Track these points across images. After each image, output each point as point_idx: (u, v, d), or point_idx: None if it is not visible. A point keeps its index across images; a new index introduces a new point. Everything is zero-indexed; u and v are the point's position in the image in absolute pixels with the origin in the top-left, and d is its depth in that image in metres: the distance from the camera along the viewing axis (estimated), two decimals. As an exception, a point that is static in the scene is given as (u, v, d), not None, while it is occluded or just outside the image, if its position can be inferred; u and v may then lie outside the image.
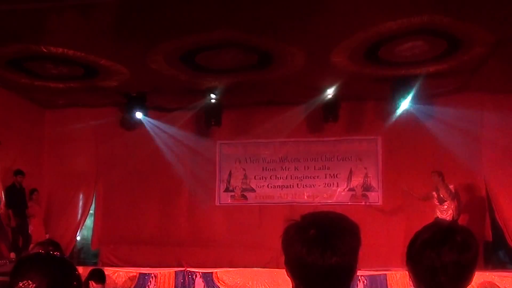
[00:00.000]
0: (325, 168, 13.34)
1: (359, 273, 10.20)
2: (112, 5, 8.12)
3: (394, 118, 12.33)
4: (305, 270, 1.84)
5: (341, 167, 13.27)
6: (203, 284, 10.99)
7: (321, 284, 1.86)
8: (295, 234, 1.88)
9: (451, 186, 11.02)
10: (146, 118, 13.01)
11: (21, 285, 1.93)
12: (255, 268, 11.34)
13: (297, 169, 13.42)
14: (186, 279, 11.06)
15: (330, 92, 12.03)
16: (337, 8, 8.17)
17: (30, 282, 1.94)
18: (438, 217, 10.66)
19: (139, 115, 12.79)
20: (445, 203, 10.91)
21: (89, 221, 14.04)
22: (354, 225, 1.91)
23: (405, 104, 11.71)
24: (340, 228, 1.86)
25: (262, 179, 13.56)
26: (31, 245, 11.28)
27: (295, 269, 1.90)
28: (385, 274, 10.51)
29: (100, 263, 12.70)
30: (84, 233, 14.32)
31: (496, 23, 8.70)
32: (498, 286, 9.76)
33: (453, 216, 10.74)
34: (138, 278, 11.12)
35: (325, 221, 1.88)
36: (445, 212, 10.85)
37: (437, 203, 11.00)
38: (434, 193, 11.08)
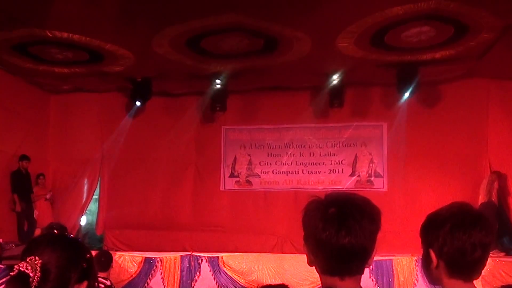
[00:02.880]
0: (330, 154, 13.33)
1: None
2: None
3: (399, 104, 12.32)
4: (320, 246, 1.90)
5: (346, 153, 13.26)
6: (209, 268, 11.04)
7: (334, 262, 1.90)
8: (315, 210, 1.94)
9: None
10: (151, 103, 12.99)
11: (28, 260, 1.93)
12: (261, 253, 11.38)
13: (302, 155, 13.41)
14: (192, 263, 11.11)
15: (335, 78, 12.00)
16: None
17: (37, 258, 1.94)
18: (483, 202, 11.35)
19: (144, 100, 12.78)
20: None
21: (94, 206, 14.09)
22: (375, 210, 1.95)
23: (411, 90, 11.69)
24: (360, 211, 1.90)
25: (267, 164, 13.56)
26: (37, 230, 11.37)
27: (311, 244, 1.97)
28: (391, 260, 10.54)
29: (105, 248, 12.75)
30: (89, 218, 14.37)
31: (503, 8, 8.64)
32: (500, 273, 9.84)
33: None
34: (144, 263, 11.17)
35: (346, 202, 1.92)
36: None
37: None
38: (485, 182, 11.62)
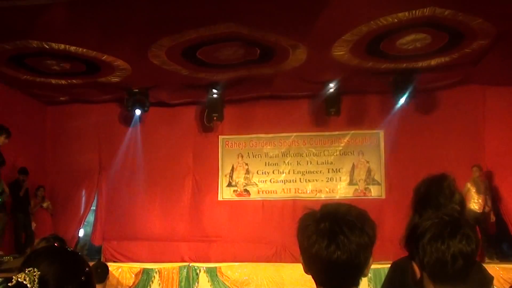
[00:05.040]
0: (327, 163, 13.32)
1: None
2: (114, 1, 8.11)
3: (396, 111, 12.34)
4: (311, 259, 1.91)
5: (343, 161, 13.26)
6: (207, 278, 11.02)
7: (327, 276, 1.90)
8: (308, 224, 1.94)
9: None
10: (148, 113, 13.01)
11: (26, 271, 1.93)
12: (259, 263, 11.36)
13: (300, 164, 13.41)
14: (190, 273, 11.08)
15: (332, 86, 12.03)
16: (338, 2, 8.16)
17: (36, 270, 1.93)
18: (470, 208, 11.01)
19: (141, 110, 12.81)
20: (481, 195, 11.31)
21: (92, 217, 14.06)
22: (368, 224, 1.94)
23: (407, 98, 11.72)
24: (351, 226, 1.89)
25: (265, 174, 13.55)
26: (36, 241, 11.33)
27: (303, 256, 1.99)
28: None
29: (103, 259, 12.72)
30: (87, 229, 14.33)
31: (498, 15, 8.68)
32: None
33: (483, 207, 11.28)
34: (142, 274, 11.15)
35: (338, 216, 1.92)
36: (478, 204, 11.26)
37: (474, 195, 11.31)
38: (469, 185, 11.32)
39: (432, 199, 2.78)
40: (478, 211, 11.14)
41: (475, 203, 11.20)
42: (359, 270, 1.93)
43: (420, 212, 2.69)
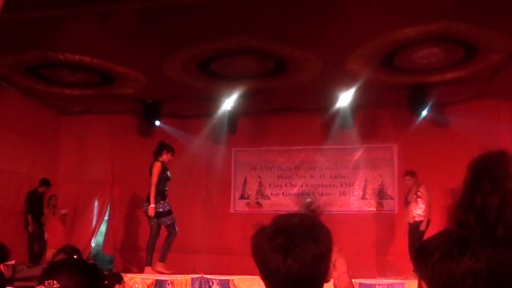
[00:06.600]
0: (340, 177, 13.27)
1: (375, 281, 10.19)
2: (129, 13, 8.16)
3: (410, 125, 12.29)
4: (270, 275, 1.89)
5: (356, 175, 13.20)
6: (220, 291, 10.99)
7: None
8: (262, 240, 1.92)
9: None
10: (162, 125, 13.06)
11: (46, 283, 1.93)
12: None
13: (312, 177, 13.37)
14: (203, 286, 11.04)
15: (346, 99, 12.00)
16: (353, 15, 8.15)
17: (55, 282, 1.94)
18: (414, 218, 10.93)
19: (155, 122, 12.85)
20: (422, 202, 11.04)
21: (104, 227, 14.07)
22: (320, 231, 1.92)
23: (421, 112, 11.68)
24: (303, 236, 1.86)
25: (277, 186, 13.52)
26: (49, 250, 11.38)
27: (261, 273, 1.97)
28: (403, 283, 10.43)
29: (115, 269, 12.71)
30: (99, 239, 14.34)
31: (513, 29, 8.66)
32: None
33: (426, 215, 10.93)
34: (155, 285, 11.12)
35: (290, 228, 1.89)
36: (420, 210, 10.99)
37: (418, 202, 11.05)
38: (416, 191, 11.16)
39: (490, 172, 2.70)
40: (417, 220, 10.97)
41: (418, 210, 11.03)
42: (320, 280, 1.91)
43: (477, 186, 2.63)
